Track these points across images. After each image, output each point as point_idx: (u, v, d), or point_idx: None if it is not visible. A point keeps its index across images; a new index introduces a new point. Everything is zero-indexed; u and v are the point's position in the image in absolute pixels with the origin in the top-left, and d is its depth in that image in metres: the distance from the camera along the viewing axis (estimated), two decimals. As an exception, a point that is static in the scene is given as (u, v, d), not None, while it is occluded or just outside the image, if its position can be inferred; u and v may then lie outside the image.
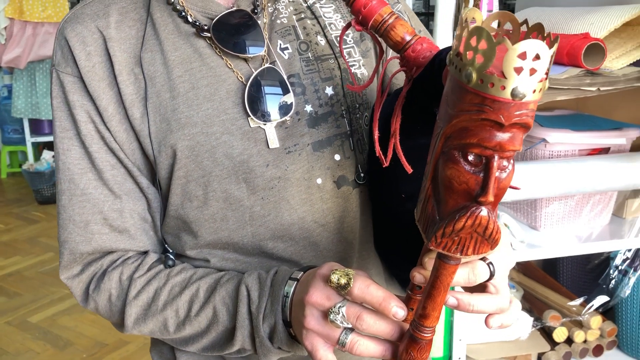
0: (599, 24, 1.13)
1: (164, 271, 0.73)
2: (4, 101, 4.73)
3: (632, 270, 1.48)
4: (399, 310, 0.54)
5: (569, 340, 1.51)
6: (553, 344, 1.50)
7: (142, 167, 0.73)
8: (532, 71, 0.39)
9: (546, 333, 1.52)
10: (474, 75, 0.41)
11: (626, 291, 1.48)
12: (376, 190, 0.75)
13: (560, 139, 1.29)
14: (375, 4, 0.55)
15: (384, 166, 0.58)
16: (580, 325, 1.51)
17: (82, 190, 0.72)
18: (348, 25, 0.60)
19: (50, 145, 4.66)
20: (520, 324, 1.46)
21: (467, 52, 0.41)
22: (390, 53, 0.77)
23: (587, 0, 1.40)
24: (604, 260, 1.55)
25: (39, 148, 4.73)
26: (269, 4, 0.75)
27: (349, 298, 0.57)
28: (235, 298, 0.68)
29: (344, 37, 0.76)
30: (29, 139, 4.58)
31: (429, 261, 0.53)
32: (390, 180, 0.68)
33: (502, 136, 0.42)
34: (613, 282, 1.50)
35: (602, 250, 1.39)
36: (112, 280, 0.73)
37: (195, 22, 0.70)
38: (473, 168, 0.44)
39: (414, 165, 0.55)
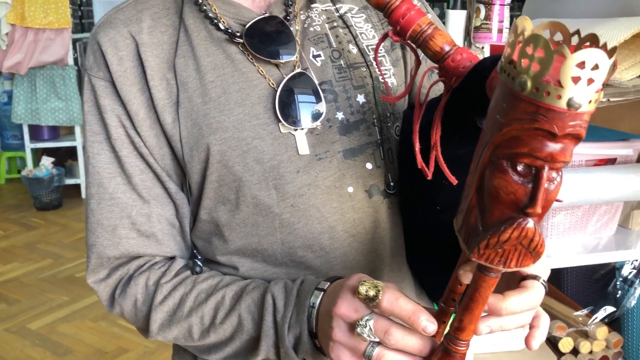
0: (609, 36, 1.13)
1: (190, 277, 0.73)
2: (3, 107, 4.72)
3: (638, 281, 1.48)
4: (428, 325, 0.52)
5: (575, 351, 1.50)
6: (559, 354, 1.49)
7: (172, 172, 0.73)
8: (590, 81, 0.38)
9: (552, 343, 1.52)
10: (529, 84, 0.40)
11: (632, 302, 1.48)
12: (408, 201, 0.74)
13: (568, 150, 1.29)
14: (413, 15, 0.55)
15: (428, 178, 0.57)
16: (586, 335, 1.51)
17: (110, 195, 0.72)
18: (385, 36, 0.59)
19: (49, 152, 4.65)
20: (526, 334, 1.46)
21: (522, 60, 0.40)
22: (426, 64, 0.77)
23: (596, 11, 1.41)
24: (610, 271, 1.55)
25: (37, 154, 4.72)
26: (302, 12, 0.75)
27: (377, 311, 0.55)
28: (261, 307, 0.67)
29: (375, 46, 0.76)
30: (28, 145, 4.57)
31: (465, 273, 0.52)
32: (424, 191, 0.68)
33: (554, 147, 0.41)
34: (619, 292, 1.50)
35: (608, 260, 1.39)
36: (139, 286, 0.72)
37: (227, 28, 0.70)
38: (522, 179, 0.43)
39: (454, 176, 0.55)
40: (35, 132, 4.60)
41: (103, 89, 0.70)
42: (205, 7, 0.71)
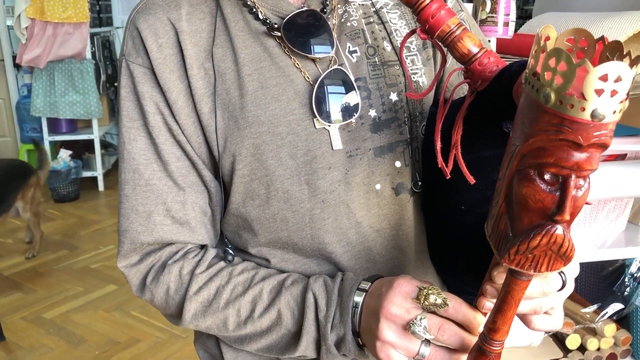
0: (618, 29, 1.12)
1: (226, 269, 0.73)
2: (23, 100, 4.79)
3: (647, 279, 1.46)
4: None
5: (582, 348, 1.49)
6: (566, 351, 1.48)
7: (207, 160, 0.73)
8: (613, 93, 0.39)
9: (559, 340, 1.51)
10: (553, 96, 0.40)
11: (641, 299, 1.46)
12: (433, 200, 0.75)
13: (576, 145, 1.28)
14: (443, 15, 0.55)
15: (447, 178, 0.58)
16: (593, 332, 1.50)
17: (146, 181, 0.72)
18: (412, 32, 0.59)
19: (67, 145, 4.72)
20: (532, 330, 1.45)
21: (546, 73, 0.41)
22: (453, 63, 0.77)
23: (604, 5, 1.40)
24: (619, 268, 1.54)
25: (56, 147, 4.78)
26: (339, 6, 0.75)
27: (441, 314, 0.59)
28: (302, 303, 0.68)
29: (408, 44, 0.76)
30: (47, 138, 4.63)
31: (499, 275, 0.54)
32: (449, 191, 0.68)
33: (580, 156, 0.42)
34: (628, 289, 1.48)
35: (617, 257, 1.38)
36: (172, 274, 0.73)
37: (265, 20, 0.70)
38: (549, 187, 0.44)
39: (475, 177, 0.55)
40: (54, 125, 4.66)
41: (142, 76, 0.70)
42: None
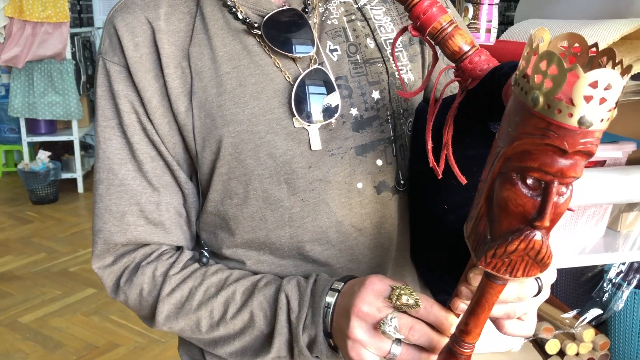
0: (598, 37, 1.13)
1: (199, 270, 0.73)
2: (0, 100, 4.72)
3: (625, 284, 1.47)
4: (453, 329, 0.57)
5: (562, 353, 1.50)
6: (545, 356, 1.49)
7: (182, 161, 0.73)
8: (602, 100, 0.38)
9: (538, 345, 1.51)
10: (541, 100, 0.40)
11: (619, 305, 1.48)
12: (417, 199, 0.74)
13: (557, 151, 1.28)
14: (435, 12, 0.54)
15: (439, 178, 0.58)
16: (572, 338, 1.51)
17: (120, 181, 0.72)
18: (404, 30, 0.59)
19: (46, 146, 4.65)
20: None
21: (536, 76, 0.40)
22: (444, 61, 0.76)
23: (586, 13, 1.41)
24: (598, 273, 1.55)
25: (34, 148, 4.71)
26: (320, 4, 0.74)
27: (413, 315, 0.58)
28: (274, 305, 0.68)
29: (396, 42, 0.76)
30: (25, 139, 4.57)
31: (474, 277, 0.53)
32: (433, 190, 0.68)
33: (564, 163, 0.41)
34: (606, 295, 1.50)
35: (596, 263, 1.39)
36: (145, 275, 0.72)
37: (245, 19, 0.70)
38: (531, 192, 0.44)
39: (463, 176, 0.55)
40: (32, 125, 4.59)
41: (117, 74, 0.70)
42: None
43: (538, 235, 0.44)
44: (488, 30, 1.11)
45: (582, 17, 1.39)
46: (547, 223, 0.44)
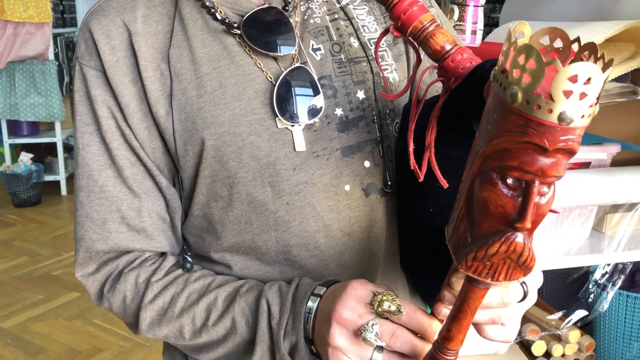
0: (583, 39, 1.13)
1: (182, 276, 0.71)
2: (-19, 101, 4.64)
3: (610, 285, 1.48)
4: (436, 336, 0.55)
5: (548, 354, 1.51)
6: (532, 357, 1.49)
7: (163, 166, 0.72)
8: (583, 95, 0.37)
9: (525, 347, 1.52)
10: (520, 96, 0.38)
11: (604, 306, 1.48)
12: (404, 202, 0.73)
13: (542, 153, 1.29)
14: (415, 11, 0.54)
15: (420, 180, 0.56)
16: (558, 339, 1.51)
17: (100, 187, 0.71)
18: (386, 31, 0.58)
19: (28, 148, 4.59)
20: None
21: (514, 70, 0.39)
22: (425, 61, 0.76)
23: (570, 15, 1.41)
24: (584, 275, 1.56)
25: (16, 150, 4.65)
26: (302, 2, 0.73)
27: (395, 321, 0.57)
28: (255, 311, 0.66)
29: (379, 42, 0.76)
30: (7, 141, 4.50)
31: (457, 281, 0.52)
32: (418, 192, 0.66)
33: (545, 161, 0.40)
34: (592, 296, 1.50)
35: (581, 264, 1.39)
36: (128, 282, 0.71)
37: (224, 19, 0.69)
38: (511, 192, 0.42)
39: (447, 179, 0.54)
40: (14, 127, 4.53)
41: (94, 79, 0.69)
42: None
43: (519, 237, 0.43)
44: (474, 32, 1.11)
45: (567, 19, 1.40)
46: (528, 224, 0.42)
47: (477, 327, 0.57)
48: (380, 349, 0.57)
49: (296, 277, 0.70)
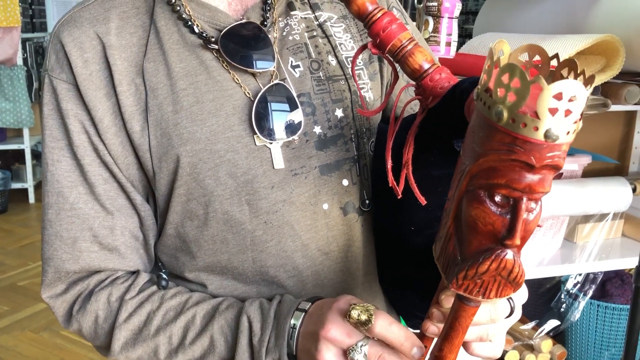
0: (555, 52, 1.14)
1: (157, 293, 0.69)
2: (-54, 107, 4.52)
3: (582, 295, 1.50)
4: (417, 352, 0.55)
5: (521, 364, 1.52)
6: (505, 367, 1.50)
7: (137, 182, 0.69)
8: (567, 112, 0.37)
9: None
10: (505, 114, 0.38)
11: (576, 315, 1.50)
12: (382, 220, 0.72)
13: (515, 164, 1.30)
14: (395, 29, 0.53)
15: (398, 197, 0.56)
16: (531, 348, 1.52)
17: (71, 205, 0.68)
18: (363, 47, 0.57)
19: (-5, 154, 4.48)
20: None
21: (499, 90, 0.39)
22: (404, 79, 0.76)
23: (542, 27, 1.43)
24: (556, 285, 1.57)
25: (-18, 157, 4.54)
26: (280, 18, 0.72)
27: (369, 335, 0.56)
28: (236, 329, 0.64)
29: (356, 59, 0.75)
30: (-28, 147, 4.39)
31: (446, 299, 0.52)
32: (398, 211, 0.65)
33: (532, 178, 0.40)
34: (564, 306, 1.52)
35: (554, 274, 1.40)
36: (100, 302, 0.68)
37: (202, 33, 0.67)
38: (500, 209, 0.42)
39: (425, 197, 0.53)
40: (-20, 133, 4.42)
41: (66, 92, 0.66)
42: (179, 8, 0.67)
43: (509, 254, 0.43)
44: (448, 44, 1.11)
45: (539, 31, 1.42)
46: (517, 241, 0.42)
47: (465, 344, 0.56)
48: None
49: (277, 295, 0.69)
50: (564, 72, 0.42)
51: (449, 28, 1.10)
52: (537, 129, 0.38)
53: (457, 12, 1.12)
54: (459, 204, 0.45)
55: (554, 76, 0.42)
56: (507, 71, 0.38)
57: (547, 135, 0.38)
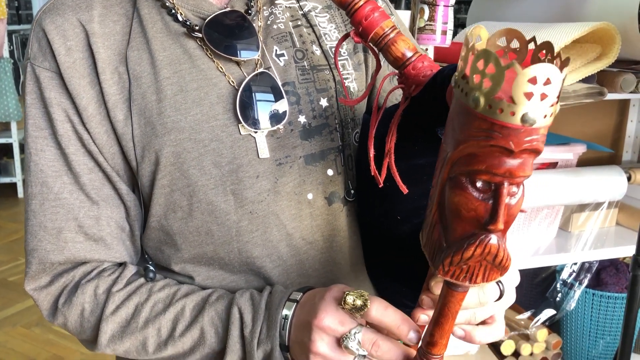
0: (551, 40, 1.14)
1: (145, 285, 0.68)
2: None
3: (577, 284, 1.50)
4: (414, 335, 0.55)
5: (517, 354, 1.52)
6: (501, 357, 1.51)
7: (122, 172, 0.68)
8: (543, 96, 0.37)
9: (494, 346, 1.53)
10: (482, 100, 0.39)
11: (571, 304, 1.50)
12: (367, 209, 0.72)
13: (511, 153, 1.29)
14: (377, 17, 0.53)
15: (380, 186, 0.56)
16: (527, 338, 1.53)
17: (55, 195, 0.66)
18: (346, 36, 0.57)
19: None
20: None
21: (474, 76, 0.39)
22: (385, 68, 0.75)
23: (537, 16, 1.42)
24: (551, 274, 1.58)
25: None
26: (265, 7, 0.71)
27: (363, 320, 0.56)
28: (226, 320, 0.64)
29: (339, 48, 0.74)
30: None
31: (436, 285, 0.52)
32: (384, 201, 0.65)
33: (512, 162, 0.40)
34: (559, 295, 1.52)
35: (549, 264, 1.41)
36: (86, 294, 0.67)
37: (185, 21, 0.66)
38: (482, 195, 0.42)
39: (410, 186, 0.53)
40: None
41: (49, 81, 0.65)
42: None
43: (494, 238, 0.43)
44: (444, 32, 1.10)
45: (534, 20, 1.41)
46: (501, 226, 0.43)
47: (467, 336, 0.57)
48: (362, 357, 0.57)
49: (267, 285, 0.68)
50: (541, 54, 0.42)
51: (445, 16, 1.09)
52: (513, 113, 0.38)
53: (452, 1, 1.11)
54: (441, 191, 0.45)
55: (532, 60, 0.42)
56: (482, 57, 0.38)
57: (524, 119, 0.38)
